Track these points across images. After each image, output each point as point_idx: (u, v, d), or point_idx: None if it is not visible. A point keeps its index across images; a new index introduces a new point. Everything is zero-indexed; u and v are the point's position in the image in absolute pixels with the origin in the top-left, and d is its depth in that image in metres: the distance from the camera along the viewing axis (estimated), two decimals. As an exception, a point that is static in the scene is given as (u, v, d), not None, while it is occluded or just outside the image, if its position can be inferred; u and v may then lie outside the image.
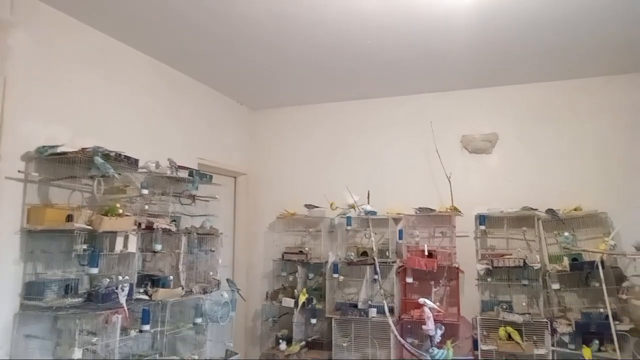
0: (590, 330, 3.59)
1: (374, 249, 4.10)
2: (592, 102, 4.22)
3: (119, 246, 2.87)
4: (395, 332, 3.62)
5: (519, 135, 4.41)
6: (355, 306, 4.26)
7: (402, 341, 3.62)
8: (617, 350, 3.46)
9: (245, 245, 5.13)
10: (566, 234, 3.76)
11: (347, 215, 4.42)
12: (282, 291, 4.65)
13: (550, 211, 3.94)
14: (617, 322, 3.52)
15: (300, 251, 4.61)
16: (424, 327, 3.44)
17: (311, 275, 4.60)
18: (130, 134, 3.53)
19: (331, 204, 4.34)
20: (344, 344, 4.20)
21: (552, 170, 4.25)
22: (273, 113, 5.32)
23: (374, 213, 4.40)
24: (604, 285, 3.56)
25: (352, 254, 4.39)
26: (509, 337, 3.80)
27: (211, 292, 3.67)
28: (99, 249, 2.76)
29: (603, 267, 3.60)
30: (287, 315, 4.55)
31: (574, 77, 4.22)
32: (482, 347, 3.84)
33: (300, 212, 4.70)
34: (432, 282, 4.09)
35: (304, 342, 4.40)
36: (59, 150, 2.72)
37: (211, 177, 3.97)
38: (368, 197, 4.16)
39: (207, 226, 3.90)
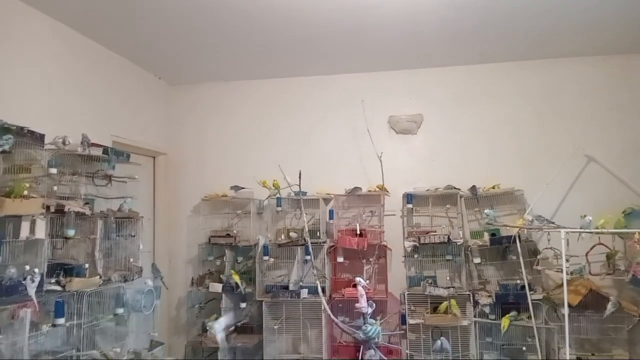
0: (509, 301, 3.84)
1: (306, 229, 4.03)
2: (508, 86, 4.45)
3: (24, 232, 2.53)
4: (329, 312, 3.61)
5: (443, 116, 4.55)
6: (286, 288, 4.18)
7: (336, 320, 3.62)
8: (532, 318, 3.74)
9: (167, 230, 4.83)
10: (487, 210, 3.95)
11: (276, 196, 4.31)
12: (209, 276, 4.44)
13: (472, 189, 4.12)
14: (531, 292, 3.80)
15: (228, 234, 4.42)
16: (357, 305, 3.46)
17: (240, 259, 4.44)
18: (32, 107, 3.10)
19: (263, 183, 4.22)
20: (275, 327, 4.12)
21: (472, 151, 4.45)
22: (195, 89, 5.00)
23: (304, 194, 4.34)
24: (521, 258, 3.81)
25: (282, 235, 4.32)
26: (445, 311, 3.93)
27: (132, 279, 3.39)
28: (1, 235, 2.40)
29: (520, 241, 3.85)
30: (215, 301, 4.37)
31: (491, 61, 4.42)
32: (410, 321, 3.97)
33: (230, 194, 4.50)
34: (364, 261, 4.12)
35: (233, 327, 4.26)
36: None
37: (129, 155, 3.65)
38: (299, 178, 4.07)
39: (126, 209, 3.59)
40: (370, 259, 4.25)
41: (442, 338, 3.87)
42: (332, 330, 4.25)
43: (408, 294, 4.05)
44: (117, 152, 3.50)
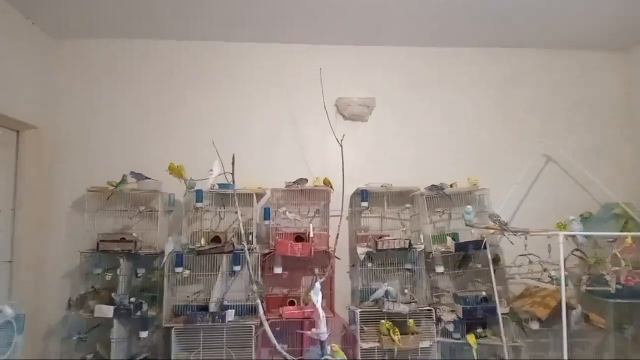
0: (477, 316, 3.30)
1: (242, 230, 3.09)
2: (467, 73, 4.00)
3: None
4: (273, 339, 2.71)
5: (396, 102, 3.94)
6: (205, 309, 3.19)
7: (283, 352, 2.74)
8: (502, 335, 3.22)
9: (34, 231, 3.48)
10: (468, 207, 3.35)
11: (196, 188, 3.31)
12: (94, 295, 3.27)
13: (438, 187, 3.53)
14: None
15: (123, 238, 3.29)
16: (313, 330, 2.62)
17: (141, 271, 3.33)
18: None
19: (171, 166, 3.18)
20: (189, 360, 3.10)
21: (424, 143, 3.91)
22: (85, 45, 3.78)
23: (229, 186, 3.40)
24: (491, 266, 3.31)
25: (203, 240, 3.33)
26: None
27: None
28: None
29: (485, 247, 3.35)
30: (101, 329, 3.22)
31: (446, 45, 3.95)
32: (363, 345, 3.22)
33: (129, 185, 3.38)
34: (311, 271, 3.27)
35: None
36: None
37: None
38: (233, 164, 3.11)
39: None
40: (316, 271, 3.43)
41: (402, 364, 3.19)
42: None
43: (361, 311, 3.30)
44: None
